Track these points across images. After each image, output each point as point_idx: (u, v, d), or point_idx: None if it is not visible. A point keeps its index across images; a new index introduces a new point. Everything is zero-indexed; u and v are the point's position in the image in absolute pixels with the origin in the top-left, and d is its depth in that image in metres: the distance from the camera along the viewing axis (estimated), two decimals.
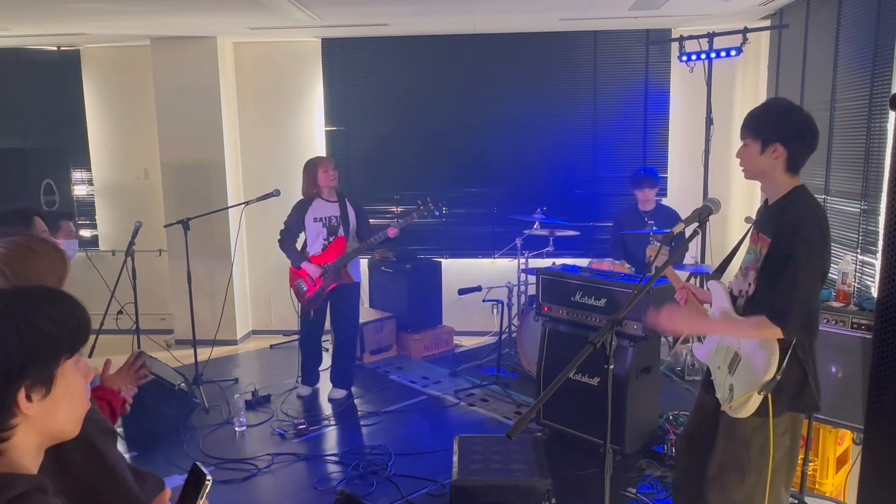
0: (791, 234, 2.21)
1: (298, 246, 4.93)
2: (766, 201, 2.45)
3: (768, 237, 2.32)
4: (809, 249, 2.18)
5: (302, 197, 4.91)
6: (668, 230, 3.78)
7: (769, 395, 2.26)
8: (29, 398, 1.09)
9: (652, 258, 2.71)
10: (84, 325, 1.18)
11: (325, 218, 4.83)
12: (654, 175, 5.46)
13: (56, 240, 2.62)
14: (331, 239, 4.83)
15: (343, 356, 5.04)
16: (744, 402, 2.28)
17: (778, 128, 2.27)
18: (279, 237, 4.89)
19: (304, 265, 4.79)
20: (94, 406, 1.55)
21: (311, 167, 4.85)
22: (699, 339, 2.59)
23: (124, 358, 2.11)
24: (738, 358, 2.35)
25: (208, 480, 1.18)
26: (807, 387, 2.29)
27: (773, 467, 2.32)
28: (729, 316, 2.43)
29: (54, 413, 1.13)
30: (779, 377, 2.24)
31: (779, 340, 2.24)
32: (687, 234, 2.41)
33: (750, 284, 2.40)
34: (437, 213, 4.93)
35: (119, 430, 4.25)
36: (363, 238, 4.90)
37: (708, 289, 2.61)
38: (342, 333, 5.01)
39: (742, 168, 2.40)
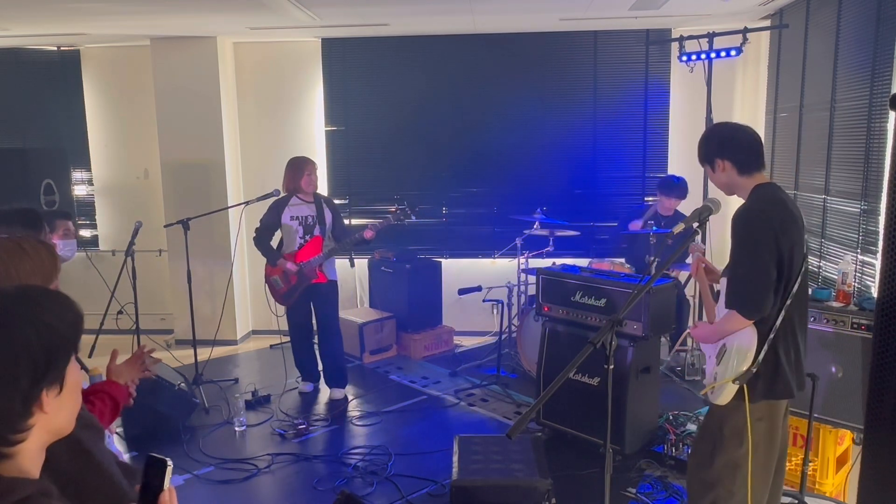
0: (734, 228, 2.42)
1: (274, 245, 4.95)
2: None
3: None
4: (747, 235, 2.35)
5: (285, 193, 4.93)
6: (669, 230, 3.81)
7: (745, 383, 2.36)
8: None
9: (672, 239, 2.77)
10: (81, 322, 1.19)
11: (302, 217, 4.85)
12: (685, 186, 5.24)
13: (53, 239, 2.61)
14: (307, 238, 4.86)
15: (331, 355, 5.04)
16: (721, 389, 2.38)
17: (708, 147, 2.56)
18: (254, 234, 4.91)
19: (280, 262, 4.82)
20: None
21: (298, 168, 4.85)
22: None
23: (125, 359, 2.11)
24: (725, 349, 2.44)
25: (169, 465, 1.20)
26: (781, 373, 2.36)
27: (749, 452, 2.37)
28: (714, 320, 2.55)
29: (62, 410, 1.14)
30: (754, 369, 2.33)
31: (759, 334, 2.33)
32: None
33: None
34: (413, 218, 4.98)
35: (119, 430, 4.25)
36: (339, 239, 4.93)
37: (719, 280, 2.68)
38: (325, 333, 5.01)
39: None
